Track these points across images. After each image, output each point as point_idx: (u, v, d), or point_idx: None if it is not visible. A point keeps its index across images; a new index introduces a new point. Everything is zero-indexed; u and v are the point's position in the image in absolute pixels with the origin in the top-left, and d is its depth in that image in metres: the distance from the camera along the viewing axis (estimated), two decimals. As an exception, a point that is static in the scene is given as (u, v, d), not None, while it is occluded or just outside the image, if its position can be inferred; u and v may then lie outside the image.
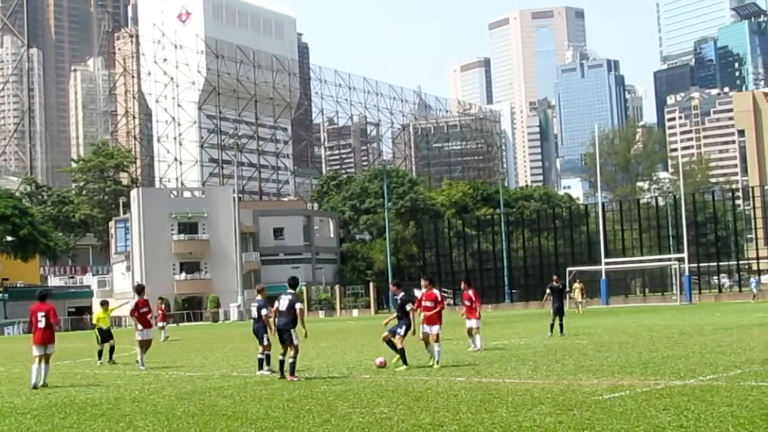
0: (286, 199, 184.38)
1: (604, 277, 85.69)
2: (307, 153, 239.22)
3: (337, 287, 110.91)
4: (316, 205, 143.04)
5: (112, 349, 31.84)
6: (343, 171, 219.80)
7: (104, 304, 33.84)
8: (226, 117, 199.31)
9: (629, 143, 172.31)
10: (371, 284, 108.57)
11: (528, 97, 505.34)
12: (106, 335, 31.73)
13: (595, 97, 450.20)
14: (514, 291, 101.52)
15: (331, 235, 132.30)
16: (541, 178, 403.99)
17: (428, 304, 23.14)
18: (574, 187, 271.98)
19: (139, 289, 29.10)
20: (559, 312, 34.33)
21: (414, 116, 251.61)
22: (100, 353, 31.66)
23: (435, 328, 22.92)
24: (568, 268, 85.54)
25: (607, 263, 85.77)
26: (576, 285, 65.61)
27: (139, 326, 27.96)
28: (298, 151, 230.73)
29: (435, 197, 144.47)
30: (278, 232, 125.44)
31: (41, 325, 22.55)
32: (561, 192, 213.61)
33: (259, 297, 23.49)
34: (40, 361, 22.46)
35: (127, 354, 34.59)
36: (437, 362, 22.75)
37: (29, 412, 17.49)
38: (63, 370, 28.95)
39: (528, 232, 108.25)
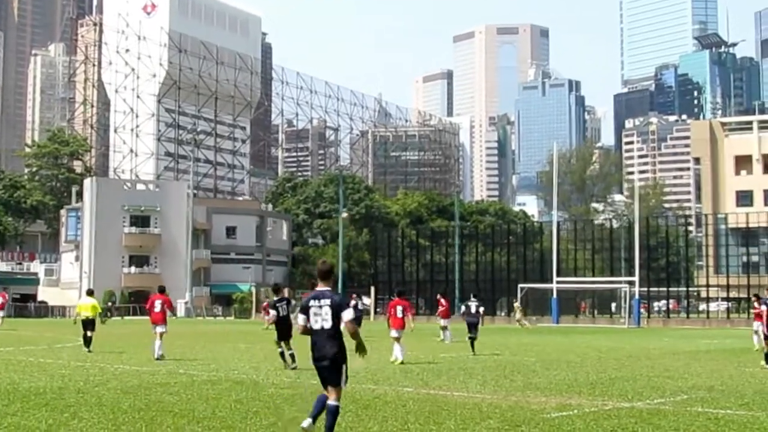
0: (240, 198, 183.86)
1: (555, 295, 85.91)
2: (264, 153, 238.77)
3: (286, 290, 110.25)
4: (270, 206, 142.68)
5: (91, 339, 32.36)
6: (300, 174, 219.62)
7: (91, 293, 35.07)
8: (185, 112, 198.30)
9: (586, 164, 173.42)
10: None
11: (488, 112, 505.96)
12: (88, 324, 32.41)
13: (554, 116, 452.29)
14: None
15: (284, 237, 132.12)
16: (496, 193, 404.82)
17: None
18: (529, 205, 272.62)
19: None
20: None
21: (374, 123, 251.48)
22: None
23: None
24: (520, 285, 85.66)
25: (558, 282, 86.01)
26: (515, 305, 68.38)
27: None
28: (256, 151, 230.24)
29: (390, 206, 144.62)
30: (231, 231, 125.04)
31: (157, 309, 28.88)
32: (516, 208, 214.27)
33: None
34: (159, 338, 28.41)
35: (71, 344, 34.24)
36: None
37: (-29, 397, 17.30)
38: (5, 357, 28.68)
39: (481, 246, 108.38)
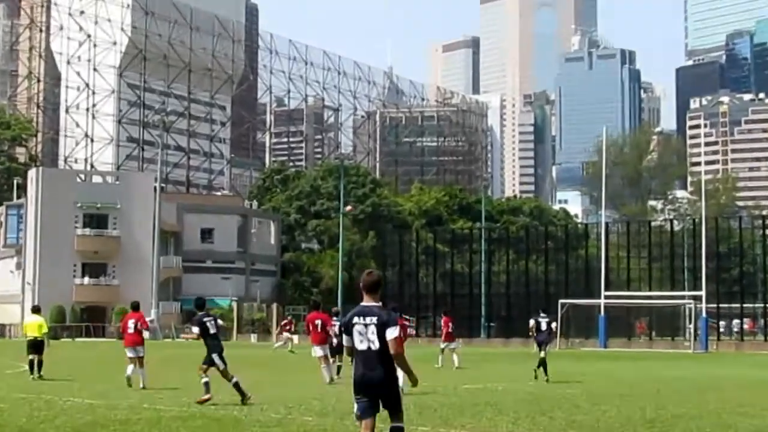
0: (219, 193, 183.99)
1: (602, 313, 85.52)
2: (249, 139, 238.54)
3: (274, 306, 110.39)
4: (255, 204, 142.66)
5: (40, 364, 33.78)
6: (292, 164, 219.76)
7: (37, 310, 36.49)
8: (152, 88, 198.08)
9: (642, 153, 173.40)
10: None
11: (522, 89, 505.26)
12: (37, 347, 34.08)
13: (603, 94, 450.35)
14: (492, 324, 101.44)
15: (272, 241, 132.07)
16: (532, 188, 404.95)
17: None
18: (571, 202, 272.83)
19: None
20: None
21: (382, 102, 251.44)
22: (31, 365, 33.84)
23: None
24: (560, 301, 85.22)
25: (607, 297, 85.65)
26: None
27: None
28: (238, 136, 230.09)
29: (402, 203, 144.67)
30: (207, 234, 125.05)
31: (130, 330, 30.25)
32: (556, 207, 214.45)
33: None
34: (133, 363, 29.96)
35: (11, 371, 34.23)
36: None
37: None
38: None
39: (513, 253, 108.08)
